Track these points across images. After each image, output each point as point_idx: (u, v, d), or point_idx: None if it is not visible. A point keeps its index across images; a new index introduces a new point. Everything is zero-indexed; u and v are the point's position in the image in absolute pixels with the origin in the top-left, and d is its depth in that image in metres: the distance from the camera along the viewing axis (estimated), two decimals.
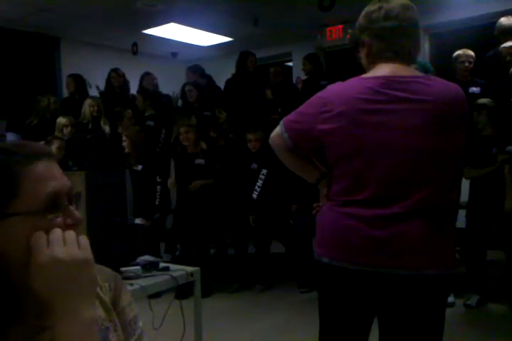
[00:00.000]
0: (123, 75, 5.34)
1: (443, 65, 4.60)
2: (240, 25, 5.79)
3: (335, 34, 6.04)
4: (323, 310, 1.52)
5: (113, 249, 2.16)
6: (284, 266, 4.56)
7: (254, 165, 4.29)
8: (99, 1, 4.90)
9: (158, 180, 4.14)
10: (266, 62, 6.53)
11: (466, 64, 4.08)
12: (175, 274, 2.24)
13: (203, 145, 4.33)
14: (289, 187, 4.10)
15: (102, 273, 0.91)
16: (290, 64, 7.00)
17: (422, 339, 1.42)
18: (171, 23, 5.70)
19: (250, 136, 4.26)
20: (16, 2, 4.93)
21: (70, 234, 0.76)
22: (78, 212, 0.81)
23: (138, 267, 2.21)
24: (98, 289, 0.86)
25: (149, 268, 2.26)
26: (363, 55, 1.53)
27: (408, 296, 1.38)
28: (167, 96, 5.73)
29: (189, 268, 2.34)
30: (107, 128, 4.76)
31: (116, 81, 5.30)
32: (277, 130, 1.53)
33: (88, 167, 3.39)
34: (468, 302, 3.62)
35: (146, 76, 5.51)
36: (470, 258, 3.65)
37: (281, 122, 1.53)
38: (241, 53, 5.33)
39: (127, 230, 2.37)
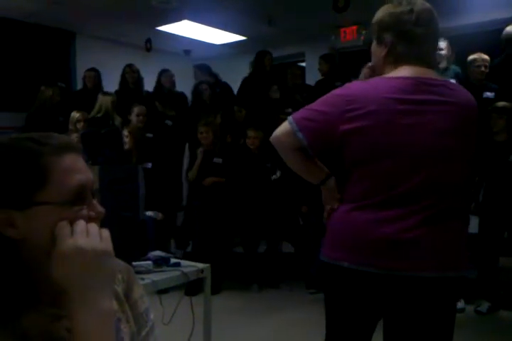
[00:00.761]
0: (137, 71, 5.33)
1: None
2: (254, 24, 5.77)
3: (349, 35, 6.02)
4: (332, 313, 1.50)
5: (124, 243, 2.16)
6: (294, 265, 4.56)
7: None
8: None
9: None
10: (279, 62, 6.52)
11: (482, 68, 4.07)
12: (186, 270, 2.24)
13: (228, 139, 4.41)
14: (299, 188, 4.10)
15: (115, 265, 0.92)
16: (303, 64, 6.98)
17: None
18: (185, 21, 5.68)
19: (251, 133, 4.32)
20: None
21: (93, 226, 0.78)
22: (100, 206, 0.82)
23: (149, 262, 2.21)
24: None
25: (160, 263, 2.26)
26: (379, 52, 1.49)
27: (423, 299, 1.36)
28: (182, 94, 5.69)
29: (200, 265, 2.35)
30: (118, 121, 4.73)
31: (130, 76, 5.30)
32: (286, 128, 1.43)
33: (102, 161, 3.40)
34: (479, 308, 3.59)
35: (164, 73, 5.48)
36: (482, 265, 3.61)
37: (291, 120, 1.42)
38: (258, 52, 5.39)
39: (139, 225, 2.38)
